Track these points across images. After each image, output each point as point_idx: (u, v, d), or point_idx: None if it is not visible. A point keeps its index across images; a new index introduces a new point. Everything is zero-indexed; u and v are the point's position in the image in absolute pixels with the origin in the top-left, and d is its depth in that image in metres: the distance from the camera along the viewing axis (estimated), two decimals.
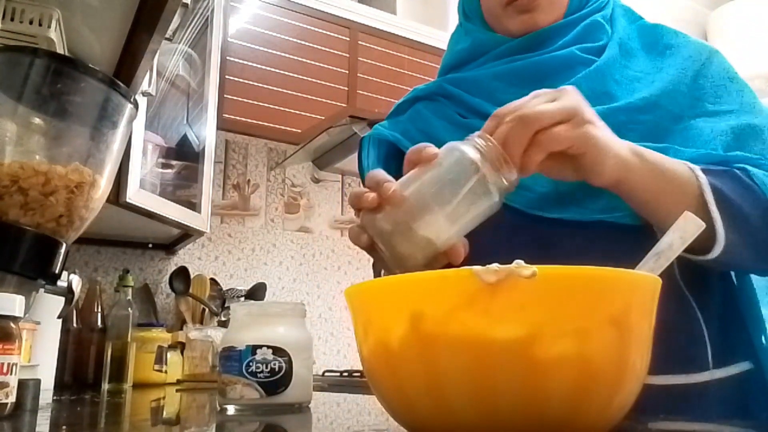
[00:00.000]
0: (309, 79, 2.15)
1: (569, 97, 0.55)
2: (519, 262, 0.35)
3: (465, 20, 0.83)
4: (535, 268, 0.34)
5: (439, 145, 0.73)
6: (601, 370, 0.35)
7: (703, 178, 0.60)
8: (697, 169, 0.61)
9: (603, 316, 0.35)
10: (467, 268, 0.35)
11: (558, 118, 0.53)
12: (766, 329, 0.69)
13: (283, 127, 2.07)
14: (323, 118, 2.13)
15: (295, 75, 2.13)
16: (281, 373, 0.65)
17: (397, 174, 0.77)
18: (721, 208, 0.58)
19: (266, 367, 0.64)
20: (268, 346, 0.65)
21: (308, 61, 2.17)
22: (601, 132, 0.56)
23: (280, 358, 0.65)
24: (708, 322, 0.66)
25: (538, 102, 0.54)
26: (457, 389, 0.36)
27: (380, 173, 0.53)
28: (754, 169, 0.63)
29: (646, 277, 0.39)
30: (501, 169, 0.51)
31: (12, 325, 0.57)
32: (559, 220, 0.67)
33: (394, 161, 0.80)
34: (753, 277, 0.71)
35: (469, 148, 0.52)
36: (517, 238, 0.66)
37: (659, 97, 0.68)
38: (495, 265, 0.35)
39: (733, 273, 0.72)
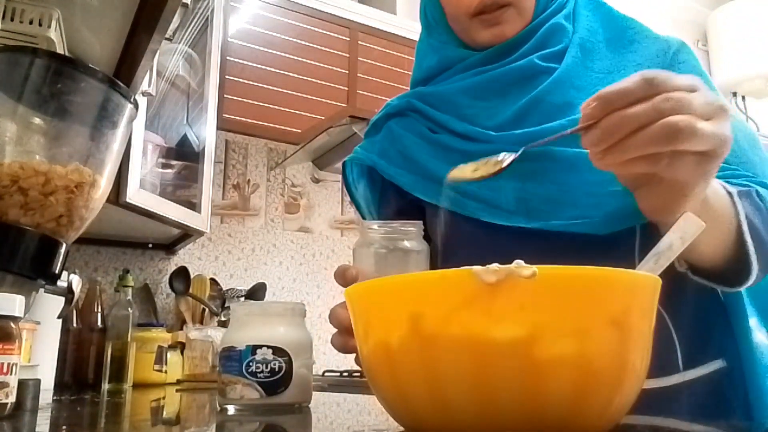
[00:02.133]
0: (309, 79, 2.15)
1: (725, 127, 0.47)
2: (519, 262, 0.35)
3: (428, 34, 0.82)
4: (535, 268, 0.34)
5: (415, 164, 0.76)
6: (601, 370, 0.35)
7: (742, 214, 0.57)
8: (737, 201, 0.58)
9: (603, 316, 0.35)
10: (467, 268, 0.35)
11: (707, 145, 0.46)
12: (749, 327, 0.69)
13: (283, 127, 2.07)
14: (323, 118, 2.13)
15: (295, 75, 2.13)
16: (281, 373, 0.64)
17: (382, 186, 0.83)
18: (756, 244, 0.57)
19: (266, 367, 0.64)
20: (268, 346, 0.65)
21: (308, 61, 2.17)
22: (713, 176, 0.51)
23: (280, 358, 0.65)
24: (678, 327, 0.65)
25: (695, 116, 0.45)
26: (457, 389, 0.36)
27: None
28: (762, 189, 0.63)
29: (646, 277, 0.39)
30: (401, 233, 0.61)
31: (12, 325, 0.57)
32: (526, 231, 0.66)
33: (375, 173, 0.82)
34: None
35: (366, 240, 0.62)
36: (486, 250, 0.66)
37: None
38: (495, 265, 0.35)
39: None
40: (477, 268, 0.35)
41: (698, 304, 0.69)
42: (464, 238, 0.72)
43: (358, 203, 0.87)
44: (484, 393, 0.35)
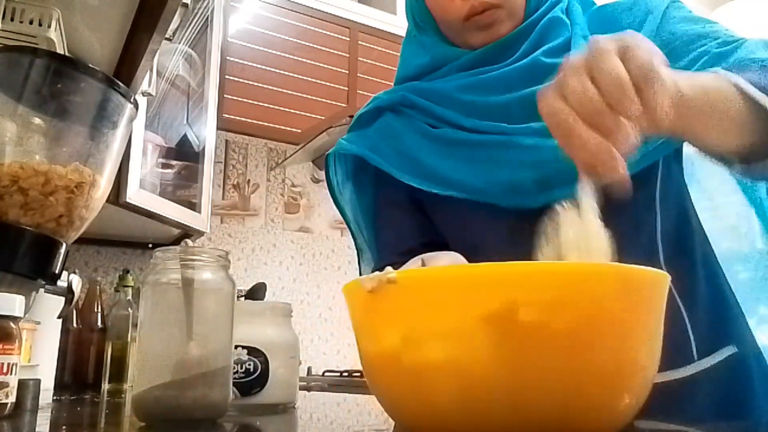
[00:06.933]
0: (309, 79, 2.15)
1: (643, 55, 0.46)
2: (388, 269, 0.37)
3: (418, 32, 0.80)
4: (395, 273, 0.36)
5: (412, 161, 0.72)
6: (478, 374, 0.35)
7: (740, 81, 0.55)
8: (732, 76, 0.56)
9: (473, 315, 0.35)
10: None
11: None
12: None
13: (283, 127, 2.07)
14: (323, 118, 2.13)
15: (295, 75, 2.13)
16: (256, 374, 0.63)
17: (371, 188, 0.79)
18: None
19: (240, 368, 0.63)
20: (243, 346, 0.63)
21: (308, 61, 2.17)
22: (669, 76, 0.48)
23: (255, 359, 0.63)
24: (692, 314, 0.65)
25: (612, 79, 0.45)
26: (442, 392, 0.36)
27: None
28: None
29: (642, 272, 0.39)
30: None
31: (12, 325, 0.57)
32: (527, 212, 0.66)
33: (364, 175, 0.79)
34: (756, 274, 0.71)
35: None
36: (508, 238, 0.66)
37: None
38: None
39: (719, 262, 0.72)
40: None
41: (711, 289, 0.68)
42: (478, 227, 0.71)
43: (343, 210, 0.81)
44: (467, 395, 0.35)
